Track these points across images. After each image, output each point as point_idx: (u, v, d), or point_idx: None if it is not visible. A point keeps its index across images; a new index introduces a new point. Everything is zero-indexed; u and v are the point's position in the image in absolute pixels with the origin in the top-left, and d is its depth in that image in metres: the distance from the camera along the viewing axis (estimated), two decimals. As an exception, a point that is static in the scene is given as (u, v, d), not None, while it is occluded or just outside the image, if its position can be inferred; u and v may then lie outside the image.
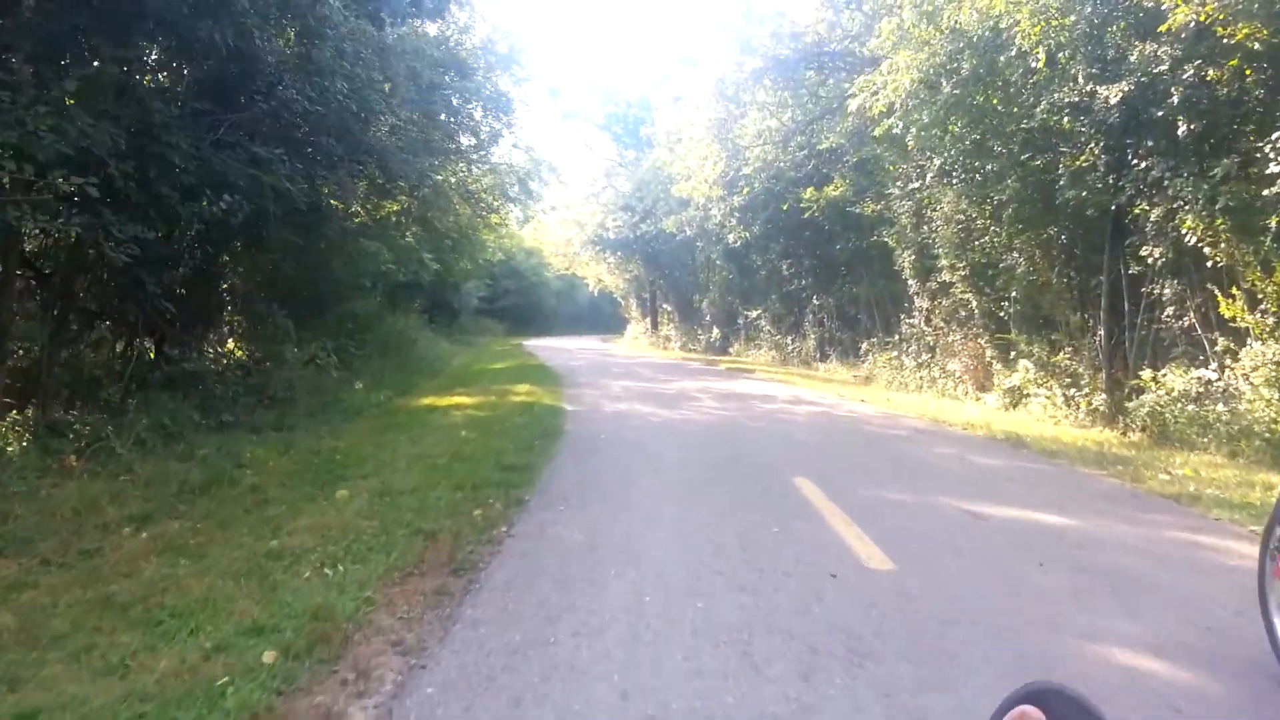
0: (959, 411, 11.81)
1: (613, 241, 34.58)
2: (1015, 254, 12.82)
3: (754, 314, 26.04)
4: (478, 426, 9.10)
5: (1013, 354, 12.60)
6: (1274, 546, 3.09)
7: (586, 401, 12.18)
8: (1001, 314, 13.09)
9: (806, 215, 19.37)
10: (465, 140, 16.41)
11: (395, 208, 17.13)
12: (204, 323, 11.20)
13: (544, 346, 36.65)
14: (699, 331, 31.19)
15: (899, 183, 16.24)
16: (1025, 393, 12.17)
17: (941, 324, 14.96)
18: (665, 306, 38.45)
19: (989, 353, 13.49)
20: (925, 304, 15.90)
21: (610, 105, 37.03)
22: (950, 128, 12.24)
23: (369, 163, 11.40)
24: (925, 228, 15.32)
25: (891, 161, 16.02)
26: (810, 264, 21.91)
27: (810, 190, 18.95)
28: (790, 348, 23.32)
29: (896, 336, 17.30)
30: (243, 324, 12.34)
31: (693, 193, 22.50)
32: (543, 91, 43.94)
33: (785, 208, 20.20)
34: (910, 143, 12.94)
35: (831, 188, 18.68)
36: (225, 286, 12.25)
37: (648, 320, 41.82)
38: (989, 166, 12.41)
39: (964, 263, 13.79)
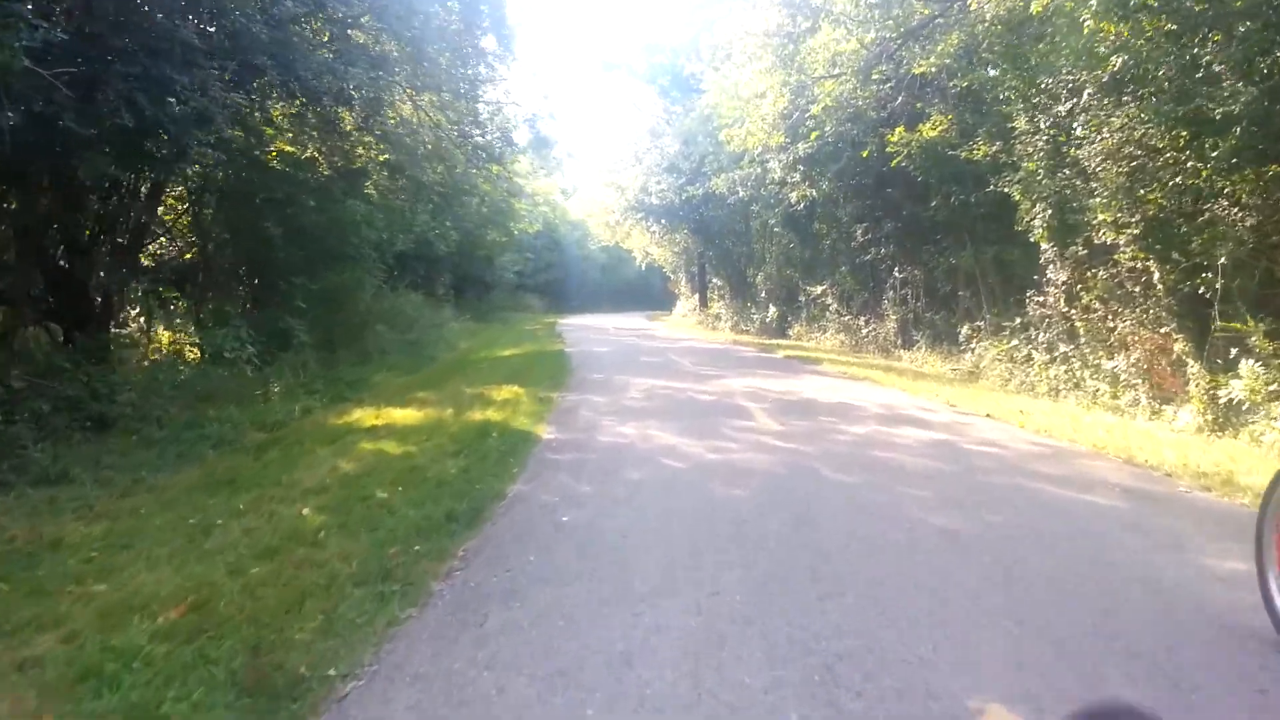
0: (1148, 440, 7.65)
1: (656, 208, 30.51)
2: (1225, 201, 8.59)
3: (818, 290, 21.83)
4: (358, 488, 5.32)
5: (1233, 351, 8.34)
6: (1273, 515, 2.98)
7: (583, 419, 8.38)
8: (1200, 290, 8.80)
9: (893, 165, 15.13)
10: (441, 59, 12.58)
11: (366, 156, 13.51)
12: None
13: (580, 326, 33.04)
14: (752, 310, 27.04)
15: (1027, 113, 11.99)
16: (1250, 409, 7.96)
17: (1096, 304, 10.70)
18: (715, 281, 34.32)
19: (1179, 346, 9.25)
20: (1065, 276, 11.64)
21: (657, 55, 32.76)
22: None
23: (260, 61, 7.66)
24: (1067, 171, 11.08)
25: (1019, 80, 11.76)
26: (893, 228, 17.62)
27: (899, 131, 14.70)
28: (864, 331, 19.11)
29: (1018, 320, 13.05)
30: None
31: (746, 141, 18.36)
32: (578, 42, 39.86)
33: (866, 154, 15.95)
34: (1088, 19, 8.72)
35: (928, 126, 14.40)
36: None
37: (696, 297, 37.75)
38: (1203, 63, 8.15)
39: (1137, 216, 9.54)
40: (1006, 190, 12.56)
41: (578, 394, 10.35)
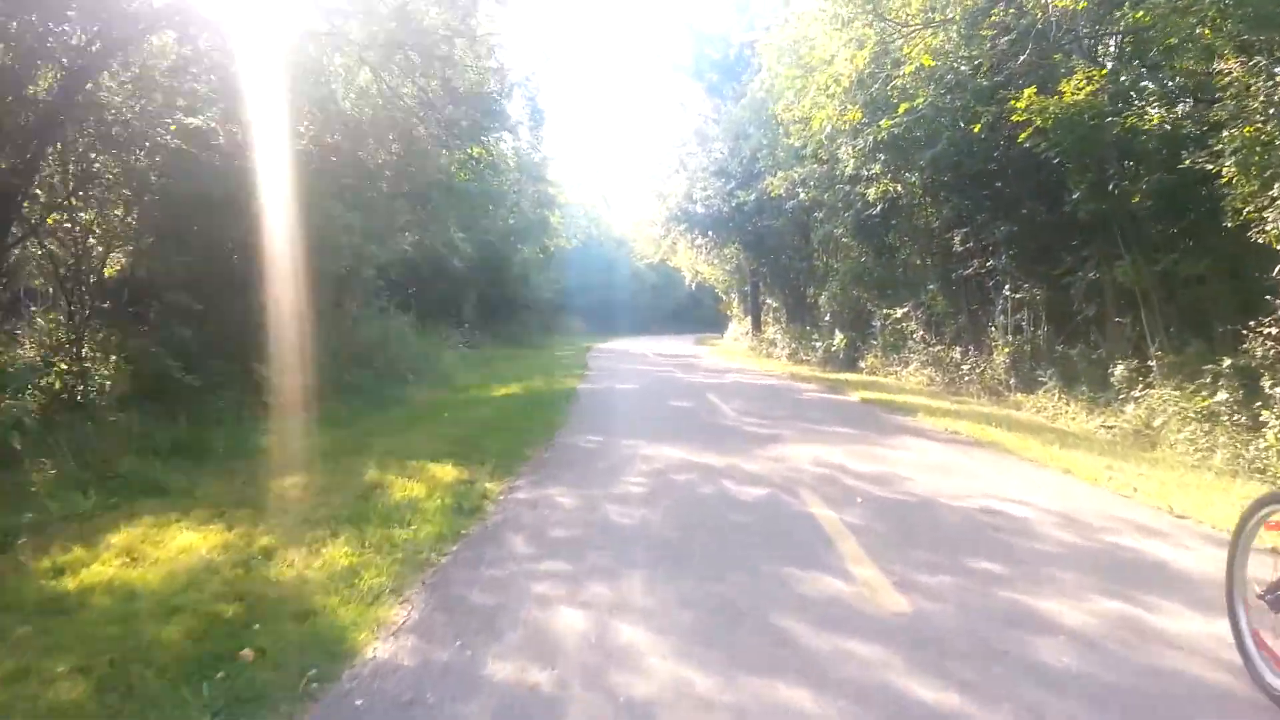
0: None
1: (702, 217, 26.59)
2: None
3: (897, 313, 17.56)
4: None
5: None
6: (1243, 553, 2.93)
7: (496, 578, 4.27)
8: None
9: (1021, 139, 10.95)
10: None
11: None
12: None
13: (617, 352, 29.26)
14: (814, 336, 22.75)
15: (1243, 52, 7.90)
16: None
17: None
18: (769, 302, 30.15)
19: None
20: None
21: (705, 46, 28.93)
22: None
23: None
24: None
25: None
26: (1006, 233, 13.33)
27: (1028, 94, 10.52)
28: (963, 366, 14.77)
29: (1226, 362, 8.71)
30: None
31: (811, 122, 14.36)
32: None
33: (979, 127, 11.75)
34: None
35: (1070, 86, 10.18)
36: None
37: (749, 320, 33.61)
38: None
39: None
40: (1210, 167, 8.32)
41: (539, 485, 6.40)
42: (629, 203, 54.30)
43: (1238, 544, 3.05)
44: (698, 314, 63.85)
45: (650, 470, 6.99)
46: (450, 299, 25.77)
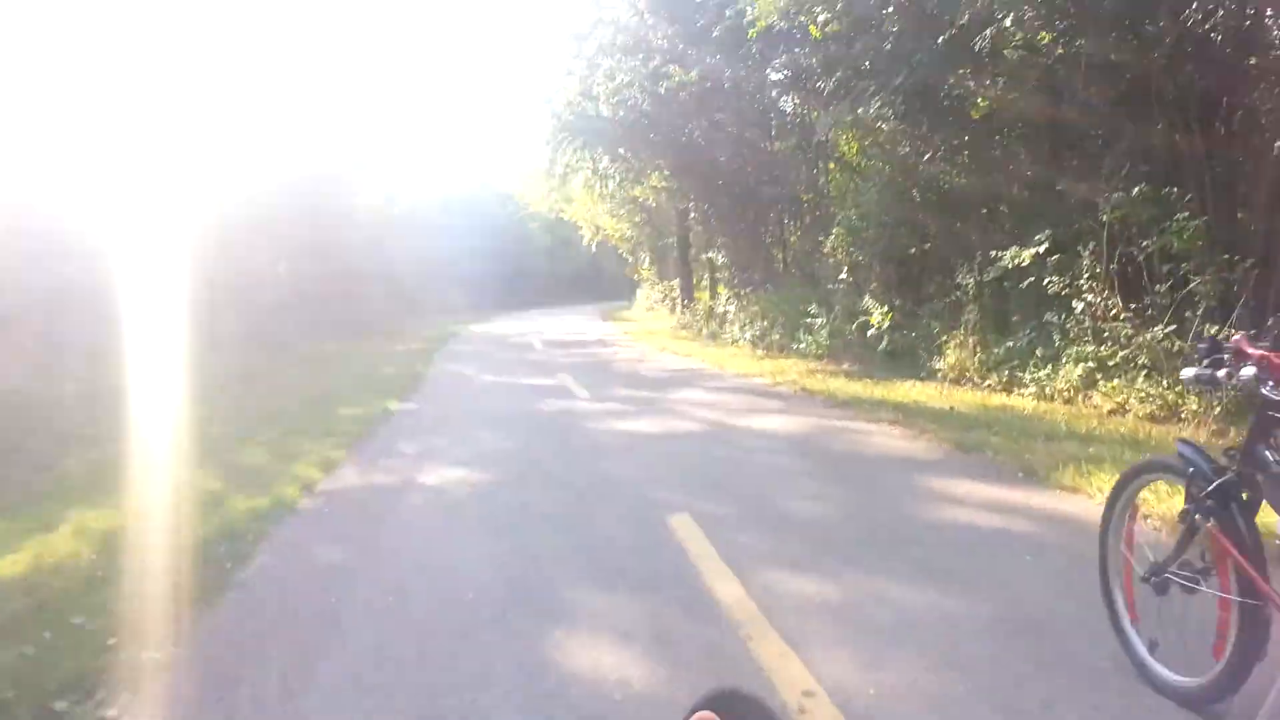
0: None
1: (606, 125, 17.17)
2: None
3: (1024, 257, 8.65)
4: None
5: None
6: (1118, 527, 2.59)
7: None
8: None
9: None
10: None
11: None
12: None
13: (491, 339, 20.15)
14: (810, 311, 13.52)
15: None
16: None
17: None
18: (714, 258, 21.17)
19: None
20: None
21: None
22: None
23: None
24: None
25: None
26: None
27: None
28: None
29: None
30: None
31: None
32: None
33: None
34: None
35: None
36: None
37: (677, 284, 24.64)
38: None
39: None
40: None
41: None
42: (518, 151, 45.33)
43: (1111, 517, 2.64)
44: (601, 281, 56.30)
45: None
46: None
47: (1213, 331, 5.48)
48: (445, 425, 7.83)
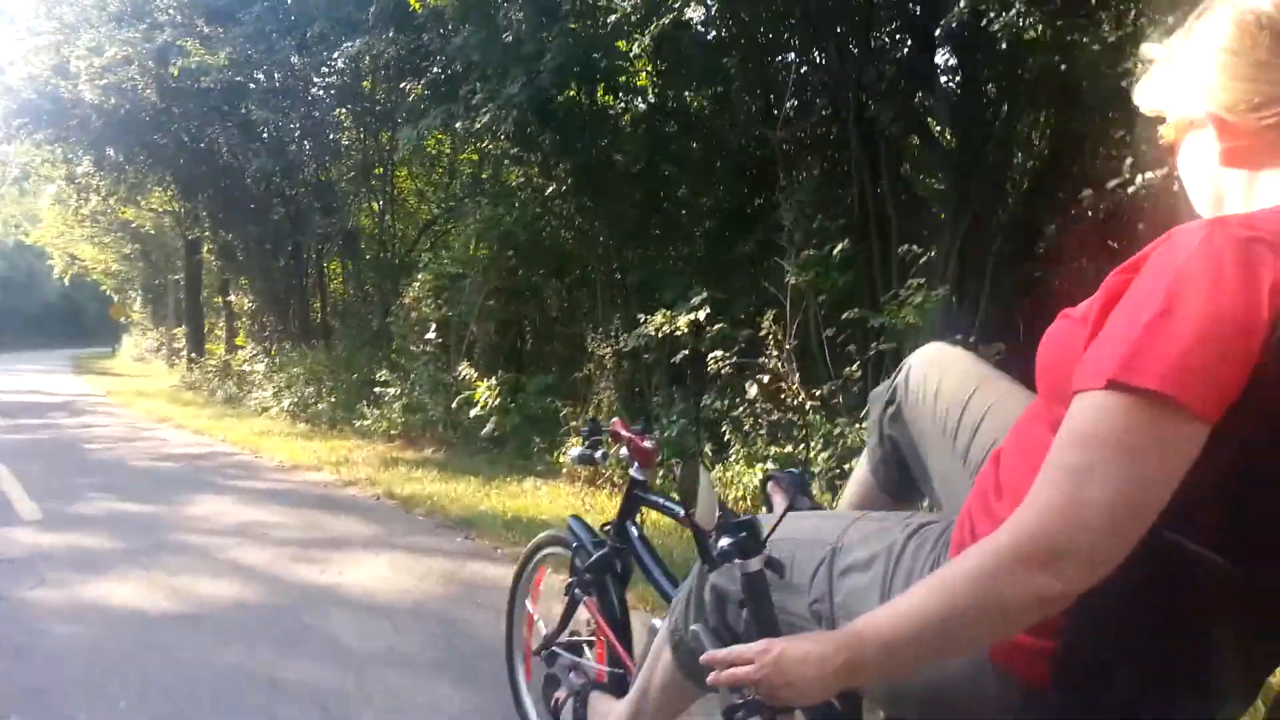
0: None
1: (86, 112, 11.98)
2: None
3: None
4: None
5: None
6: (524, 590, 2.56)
7: None
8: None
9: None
10: None
11: None
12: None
13: None
14: (380, 377, 9.96)
15: None
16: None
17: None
18: (235, 301, 16.55)
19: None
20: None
21: None
22: None
23: None
24: None
25: None
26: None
27: None
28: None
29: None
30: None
31: None
32: None
33: None
34: None
35: None
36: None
37: (181, 331, 19.09)
38: None
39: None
40: None
41: None
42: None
43: (516, 591, 2.64)
44: (81, 321, 48.80)
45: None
46: None
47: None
48: None
